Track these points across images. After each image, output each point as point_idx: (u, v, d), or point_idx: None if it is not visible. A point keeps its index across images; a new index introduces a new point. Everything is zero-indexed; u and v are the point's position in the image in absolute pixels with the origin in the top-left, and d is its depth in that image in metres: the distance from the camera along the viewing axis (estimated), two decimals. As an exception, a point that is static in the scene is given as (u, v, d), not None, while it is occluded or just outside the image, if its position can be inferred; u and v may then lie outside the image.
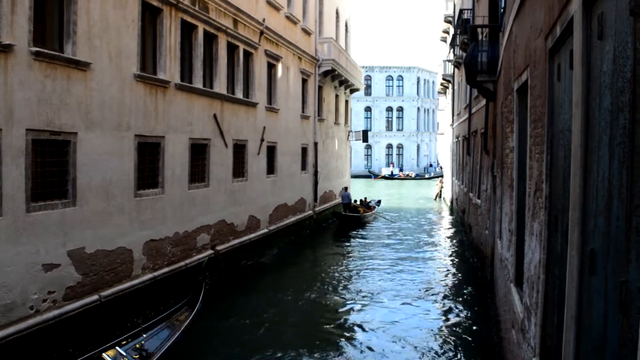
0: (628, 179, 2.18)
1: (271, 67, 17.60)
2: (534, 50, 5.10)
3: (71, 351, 8.24)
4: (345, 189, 27.72)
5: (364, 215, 25.07)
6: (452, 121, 30.92)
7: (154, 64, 11.25)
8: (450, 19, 31.21)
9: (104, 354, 7.52)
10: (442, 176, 47.01)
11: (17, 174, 7.58)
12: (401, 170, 63.84)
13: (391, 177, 60.42)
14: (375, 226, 24.87)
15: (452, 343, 10.15)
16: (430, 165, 68.44)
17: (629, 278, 2.14)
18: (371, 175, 61.35)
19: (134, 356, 7.75)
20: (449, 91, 34.66)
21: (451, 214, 29.54)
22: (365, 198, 28.46)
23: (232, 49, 14.67)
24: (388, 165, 65.08)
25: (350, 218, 24.04)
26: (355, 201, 26.53)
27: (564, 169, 3.72)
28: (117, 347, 7.80)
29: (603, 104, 2.65)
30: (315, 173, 22.74)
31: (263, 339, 10.07)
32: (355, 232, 22.68)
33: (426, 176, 61.63)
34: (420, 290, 13.65)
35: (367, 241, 20.83)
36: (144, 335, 8.40)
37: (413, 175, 61.57)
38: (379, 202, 29.24)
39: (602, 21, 2.64)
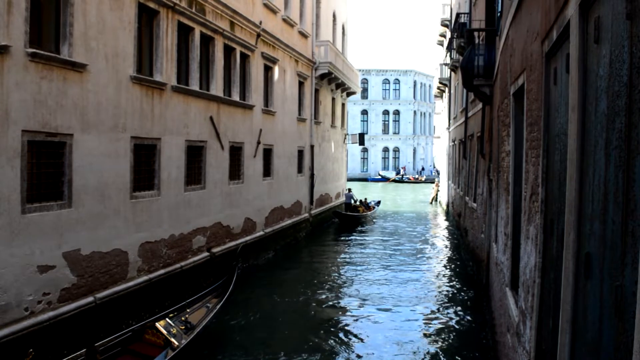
0: (624, 182, 2.19)
1: (268, 70, 17.60)
2: (531, 54, 5.11)
3: (66, 352, 8.19)
4: (349, 190, 28.96)
5: (364, 215, 26.17)
6: (449, 125, 30.98)
7: (150, 66, 11.23)
8: (447, 22, 31.29)
9: (156, 324, 8.58)
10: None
11: (12, 175, 7.56)
12: (398, 173, 63.90)
13: (401, 180, 60.51)
14: (372, 227, 25.18)
15: (447, 347, 10.15)
16: (423, 169, 67.94)
17: (624, 282, 2.14)
18: (382, 178, 61.42)
19: (181, 327, 8.93)
20: (446, 95, 34.74)
21: (447, 217, 29.58)
22: (366, 199, 29.86)
23: (228, 51, 14.67)
24: (398, 169, 65.28)
25: (350, 217, 25.00)
26: (356, 201, 27.90)
27: (560, 172, 3.73)
28: (167, 319, 8.91)
29: (599, 108, 2.65)
30: (312, 176, 22.74)
31: (256, 341, 10.04)
32: (351, 235, 22.76)
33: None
34: (414, 293, 13.65)
35: (362, 245, 20.84)
36: (188, 310, 9.66)
37: (423, 179, 61.58)
38: (378, 202, 30.61)
39: (599, 25, 2.65)
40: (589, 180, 2.84)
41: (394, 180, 60.44)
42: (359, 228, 24.76)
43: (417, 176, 62.98)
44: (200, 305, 10.01)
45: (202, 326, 9.12)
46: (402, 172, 63.85)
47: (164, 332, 8.44)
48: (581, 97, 3.01)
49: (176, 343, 8.31)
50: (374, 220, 27.45)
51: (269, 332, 10.64)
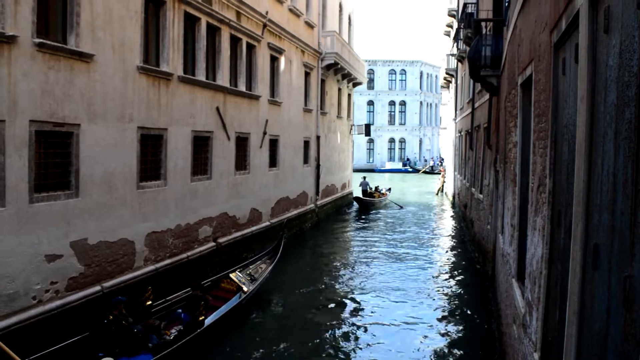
0: (633, 173, 2.18)
1: (274, 60, 17.56)
2: (539, 45, 5.08)
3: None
4: (364, 178, 31.55)
5: (379, 200, 29.90)
6: (455, 116, 30.85)
7: (157, 56, 11.23)
8: (454, 12, 31.04)
9: (230, 275, 11.00)
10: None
11: (20, 165, 7.60)
12: (406, 164, 63.68)
13: (431, 171, 59.99)
14: (379, 216, 25.93)
15: (453, 338, 10.17)
16: (408, 160, 66.10)
17: (633, 273, 2.13)
18: (411, 169, 61.16)
19: (247, 278, 11.25)
20: (452, 85, 34.58)
21: (453, 208, 29.57)
22: (377, 186, 32.72)
23: (235, 41, 14.64)
24: (425, 160, 65.27)
25: (368, 202, 28.54)
26: (371, 188, 31.05)
27: (568, 163, 3.71)
28: (236, 272, 11.27)
29: (609, 98, 2.63)
30: (318, 167, 22.74)
31: (258, 332, 10.10)
32: (357, 226, 22.92)
33: None
34: (420, 284, 13.67)
35: (368, 235, 20.86)
36: (250, 267, 12.06)
37: None
38: (389, 189, 33.36)
39: (609, 14, 2.63)
40: (598, 171, 2.82)
41: (424, 172, 59.91)
42: (366, 217, 25.14)
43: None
44: (257, 265, 12.34)
45: (263, 278, 11.52)
46: (431, 163, 63.67)
47: (236, 280, 10.80)
48: (590, 88, 2.99)
49: (246, 289, 10.62)
50: (387, 205, 29.84)
51: (267, 323, 10.70)
